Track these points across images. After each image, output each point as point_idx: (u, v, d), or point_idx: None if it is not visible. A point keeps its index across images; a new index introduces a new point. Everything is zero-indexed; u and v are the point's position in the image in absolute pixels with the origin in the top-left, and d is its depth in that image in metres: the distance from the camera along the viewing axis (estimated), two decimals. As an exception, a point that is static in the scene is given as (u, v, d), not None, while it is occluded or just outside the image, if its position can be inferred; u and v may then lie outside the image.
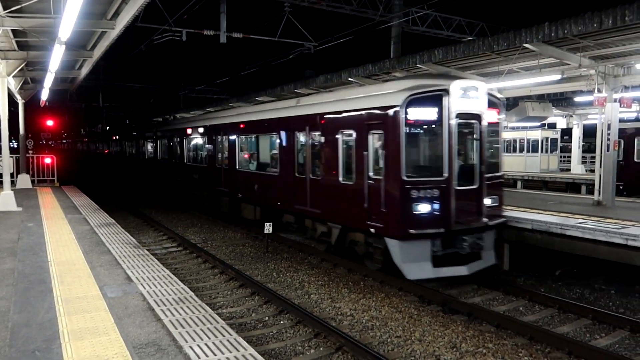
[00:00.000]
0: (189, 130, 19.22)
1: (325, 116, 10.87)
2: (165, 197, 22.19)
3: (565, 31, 9.68)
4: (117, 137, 34.19)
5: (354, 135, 9.83)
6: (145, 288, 6.47)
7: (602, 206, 12.43)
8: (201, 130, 17.99)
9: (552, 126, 29.88)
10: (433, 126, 9.09)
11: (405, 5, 19.93)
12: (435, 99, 8.80)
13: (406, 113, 8.68)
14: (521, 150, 28.04)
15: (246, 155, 15.16)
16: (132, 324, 5.26)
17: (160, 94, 38.60)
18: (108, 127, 48.90)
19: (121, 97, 45.36)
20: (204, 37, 16.94)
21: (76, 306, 5.76)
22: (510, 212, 10.84)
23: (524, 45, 10.62)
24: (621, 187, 17.51)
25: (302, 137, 11.79)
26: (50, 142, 70.84)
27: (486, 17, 22.93)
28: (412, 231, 8.63)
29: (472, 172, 9.24)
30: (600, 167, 12.62)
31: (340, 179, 10.28)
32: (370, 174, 9.40)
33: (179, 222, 16.96)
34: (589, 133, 27.42)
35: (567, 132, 30.45)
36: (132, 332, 5.02)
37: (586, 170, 27.12)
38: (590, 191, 17.71)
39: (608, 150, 12.45)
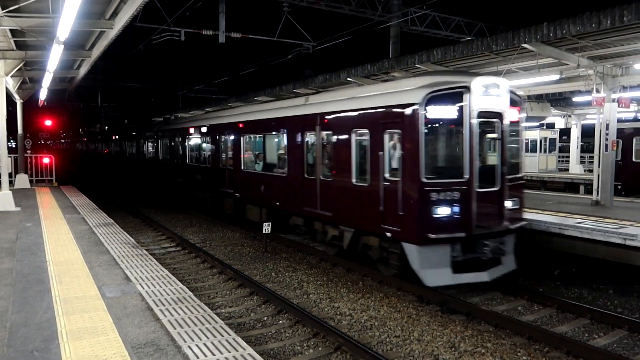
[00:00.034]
0: (192, 130, 18.80)
1: (337, 115, 10.48)
2: (166, 198, 21.91)
3: (564, 31, 9.69)
4: (116, 137, 34.10)
5: (369, 134, 9.42)
6: (143, 288, 6.47)
7: (601, 206, 12.45)
8: (204, 129, 17.58)
9: (551, 126, 29.93)
10: (453, 125, 8.67)
11: (404, 5, 19.94)
12: (455, 96, 8.40)
13: (425, 111, 8.26)
14: (520, 150, 28.00)
15: (252, 156, 14.75)
16: (131, 323, 5.26)
17: (159, 94, 38.58)
18: (107, 127, 48.85)
19: (120, 97, 45.34)
20: (203, 37, 16.93)
21: (75, 306, 5.76)
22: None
23: (523, 45, 10.63)
24: (619, 187, 17.53)
25: (311, 137, 11.37)
26: (48, 142, 70.74)
27: (485, 17, 22.96)
28: (432, 236, 8.22)
29: (493, 173, 8.86)
30: (599, 167, 12.65)
31: (354, 180, 9.87)
32: (386, 175, 8.98)
33: (177, 222, 16.94)
34: (588, 133, 27.49)
35: (565, 132, 30.50)
36: (131, 332, 5.02)
37: (585, 170, 27.16)
38: (589, 191, 17.75)
39: (606, 150, 12.47)
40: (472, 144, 8.39)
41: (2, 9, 9.68)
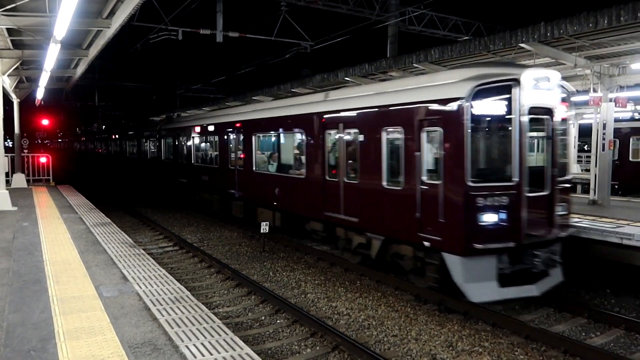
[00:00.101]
0: (198, 128, 17.88)
1: (364, 111, 9.66)
2: (169, 199, 21.23)
3: (561, 31, 9.70)
4: (114, 136, 33.95)
5: (402, 133, 8.60)
6: (141, 287, 6.46)
7: (598, 205, 12.48)
8: (212, 128, 16.68)
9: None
10: (501, 122, 7.89)
11: (401, 5, 19.95)
12: (504, 90, 7.64)
13: (471, 106, 7.47)
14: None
15: (265, 156, 13.82)
16: (128, 323, 5.25)
17: (157, 93, 38.50)
18: (104, 126, 48.74)
19: (117, 96, 45.24)
20: (200, 36, 16.92)
21: (72, 306, 5.74)
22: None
23: (520, 45, 10.63)
24: (616, 187, 17.58)
25: (334, 136, 10.56)
26: (45, 141, 70.53)
27: (482, 17, 22.94)
28: (478, 246, 7.43)
29: (542, 175, 8.12)
30: (596, 166, 12.67)
31: (384, 183, 9.06)
32: (424, 178, 8.15)
33: (175, 222, 16.93)
34: (585, 132, 27.49)
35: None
36: (128, 332, 5.01)
37: (582, 170, 27.20)
38: (586, 190, 17.75)
39: (603, 150, 12.49)
40: (522, 144, 7.61)
41: (-1, 8, 9.67)
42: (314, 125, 11.17)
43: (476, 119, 7.57)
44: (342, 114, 10.25)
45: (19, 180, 19.26)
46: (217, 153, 16.44)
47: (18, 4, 9.34)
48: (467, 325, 7.65)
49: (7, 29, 11.19)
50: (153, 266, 7.63)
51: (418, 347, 6.88)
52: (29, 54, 13.76)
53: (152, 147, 24.00)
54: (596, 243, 9.04)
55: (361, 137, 9.68)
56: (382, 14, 19.38)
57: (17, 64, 14.34)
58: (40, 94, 19.98)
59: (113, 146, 33.81)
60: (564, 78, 13.23)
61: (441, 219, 7.81)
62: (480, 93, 7.52)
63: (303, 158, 11.69)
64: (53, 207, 13.83)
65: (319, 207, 10.94)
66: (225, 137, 15.63)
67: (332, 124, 10.55)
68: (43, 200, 15.17)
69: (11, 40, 12.56)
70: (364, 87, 10.88)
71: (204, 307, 5.76)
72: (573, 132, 9.43)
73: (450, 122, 7.69)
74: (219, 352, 4.54)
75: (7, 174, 16.69)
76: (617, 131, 15.91)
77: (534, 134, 8.23)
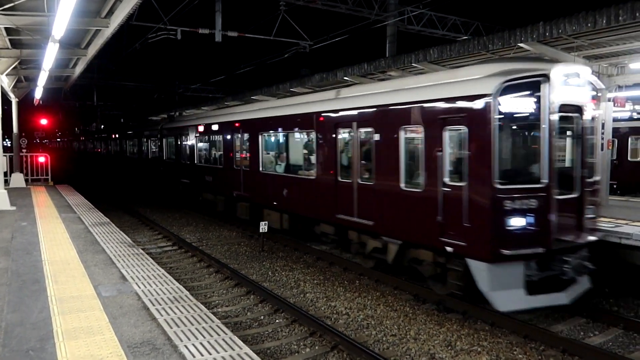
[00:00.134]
0: (201, 128, 17.36)
1: (379, 109, 9.23)
2: (170, 199, 20.88)
3: (560, 31, 9.70)
4: (114, 135, 33.85)
5: (422, 132, 8.20)
6: (140, 287, 6.45)
7: (596, 205, 12.48)
8: (216, 127, 16.21)
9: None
10: (529, 121, 7.49)
11: (400, 5, 19.95)
12: (532, 86, 7.24)
13: (499, 104, 7.08)
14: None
15: (272, 156, 13.42)
16: (127, 323, 5.24)
17: (156, 92, 38.49)
18: (103, 126, 48.71)
19: (116, 96, 45.23)
20: (199, 35, 16.88)
21: (70, 305, 5.74)
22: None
23: (519, 44, 10.64)
24: (615, 186, 17.61)
25: (347, 135, 10.17)
26: (44, 141, 70.49)
27: (481, 17, 22.95)
28: (506, 252, 7.04)
29: (571, 177, 7.78)
30: (595, 166, 12.68)
31: (402, 185, 8.63)
32: (446, 179, 7.75)
33: (174, 221, 16.92)
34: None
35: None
36: (127, 332, 5.01)
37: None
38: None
39: (602, 150, 12.51)
40: (551, 143, 7.21)
41: (-3, 7, 9.66)
42: (325, 124, 10.76)
43: (503, 117, 7.19)
44: (356, 112, 9.88)
45: (18, 179, 19.25)
46: (222, 153, 16.05)
47: (16, 3, 9.35)
48: (466, 325, 7.66)
49: (6, 28, 11.18)
50: (152, 266, 7.63)
51: (417, 347, 6.89)
52: (28, 54, 13.76)
53: (153, 147, 23.52)
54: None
55: (377, 137, 9.26)
56: (381, 14, 19.38)
57: (16, 63, 14.33)
58: (38, 93, 19.96)
59: (112, 146, 33.69)
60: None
61: (466, 223, 7.42)
62: (508, 89, 7.13)
63: (313, 158, 11.31)
64: (52, 206, 13.82)
65: (330, 209, 10.53)
66: (231, 136, 15.20)
67: (344, 123, 10.16)
68: (42, 200, 15.15)
69: (9, 40, 12.55)
70: (379, 84, 10.41)
71: (202, 307, 5.76)
72: (600, 131, 9.11)
73: (476, 120, 7.28)
74: (217, 352, 4.54)
75: (5, 174, 16.69)
76: (615, 131, 15.94)
77: (563, 133, 7.90)
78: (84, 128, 58.87)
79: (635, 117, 22.76)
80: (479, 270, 7.32)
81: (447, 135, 7.78)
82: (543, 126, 7.23)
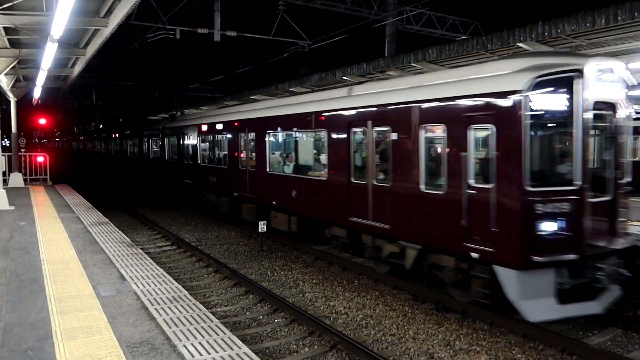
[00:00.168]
0: (205, 127, 16.97)
1: (396, 107, 8.75)
2: (172, 200, 20.64)
3: (559, 30, 9.72)
4: (113, 135, 33.76)
5: (445, 131, 7.77)
6: (138, 287, 6.45)
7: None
8: (220, 126, 15.81)
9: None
10: (562, 119, 7.05)
11: (399, 4, 19.95)
12: (564, 82, 6.81)
13: (530, 101, 6.68)
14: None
15: (280, 156, 12.99)
16: (126, 323, 5.24)
17: (156, 92, 38.47)
18: (101, 126, 48.69)
19: (115, 96, 45.22)
20: (198, 35, 16.87)
21: (69, 305, 5.73)
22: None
23: (518, 44, 10.65)
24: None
25: (360, 134, 9.75)
26: (43, 141, 70.48)
27: (480, 17, 22.95)
28: (537, 258, 6.66)
29: (604, 179, 7.43)
30: (593, 165, 12.68)
31: (422, 187, 8.22)
32: (471, 181, 7.36)
33: (173, 221, 16.91)
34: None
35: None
36: (126, 331, 5.00)
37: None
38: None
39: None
40: (585, 143, 6.82)
41: (-4, 7, 9.65)
42: (337, 123, 10.33)
43: (535, 115, 6.75)
44: (371, 110, 9.44)
45: (16, 179, 19.24)
46: (227, 153, 15.63)
47: (15, 2, 9.34)
48: (464, 324, 7.66)
49: (4, 28, 11.18)
50: (151, 265, 7.62)
51: (416, 346, 6.89)
52: (26, 53, 13.75)
53: (155, 147, 23.22)
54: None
55: (394, 136, 8.80)
56: (380, 13, 19.38)
57: (14, 62, 14.32)
58: (37, 93, 19.95)
59: (112, 146, 33.59)
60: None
61: (493, 228, 7.02)
62: (539, 85, 6.70)
63: (324, 158, 10.86)
64: (50, 206, 13.80)
65: (342, 212, 10.13)
66: (236, 136, 14.76)
67: (358, 122, 9.75)
68: (40, 200, 15.14)
69: (8, 39, 12.54)
70: (395, 81, 9.93)
71: (201, 307, 5.76)
72: (631, 130, 8.72)
73: (506, 118, 6.87)
74: (216, 352, 4.54)
75: (4, 173, 16.67)
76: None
77: (597, 131, 7.57)
78: (83, 128, 58.86)
79: (634, 117, 22.78)
80: (508, 277, 6.93)
81: (472, 134, 7.40)
82: (576, 125, 6.83)
